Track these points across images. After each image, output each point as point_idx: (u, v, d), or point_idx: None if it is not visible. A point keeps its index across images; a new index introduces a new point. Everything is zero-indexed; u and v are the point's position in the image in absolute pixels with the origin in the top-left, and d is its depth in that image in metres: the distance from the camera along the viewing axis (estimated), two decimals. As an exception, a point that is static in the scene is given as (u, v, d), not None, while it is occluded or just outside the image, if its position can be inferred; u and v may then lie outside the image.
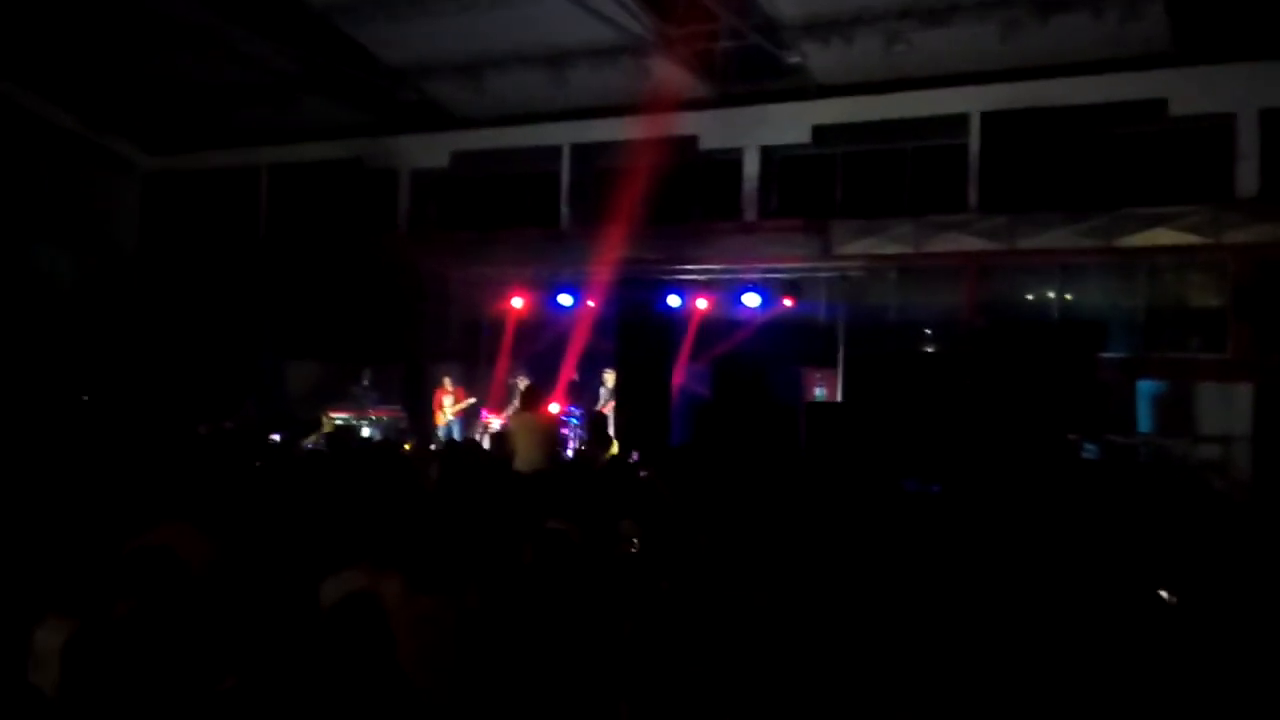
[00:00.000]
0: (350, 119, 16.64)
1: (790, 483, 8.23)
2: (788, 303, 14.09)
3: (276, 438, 12.25)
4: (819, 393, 14.29)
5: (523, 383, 12.34)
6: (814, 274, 14.49)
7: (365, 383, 14.73)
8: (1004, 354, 11.62)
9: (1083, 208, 13.10)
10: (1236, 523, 7.52)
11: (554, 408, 12.93)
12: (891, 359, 12.42)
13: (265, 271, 16.97)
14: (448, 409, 14.46)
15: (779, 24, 12.99)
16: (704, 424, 12.31)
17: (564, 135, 15.94)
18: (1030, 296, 13.90)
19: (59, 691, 2.79)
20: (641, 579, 4.64)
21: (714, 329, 14.52)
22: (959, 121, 13.77)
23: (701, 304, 14.52)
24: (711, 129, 14.93)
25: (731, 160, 15.08)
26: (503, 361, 15.09)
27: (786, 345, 14.13)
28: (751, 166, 14.96)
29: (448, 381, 14.64)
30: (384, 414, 14.59)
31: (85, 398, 14.76)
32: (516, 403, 12.58)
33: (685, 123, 14.15)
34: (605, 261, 13.73)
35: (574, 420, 13.43)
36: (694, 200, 15.35)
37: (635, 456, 10.41)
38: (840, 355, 14.06)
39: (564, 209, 16.12)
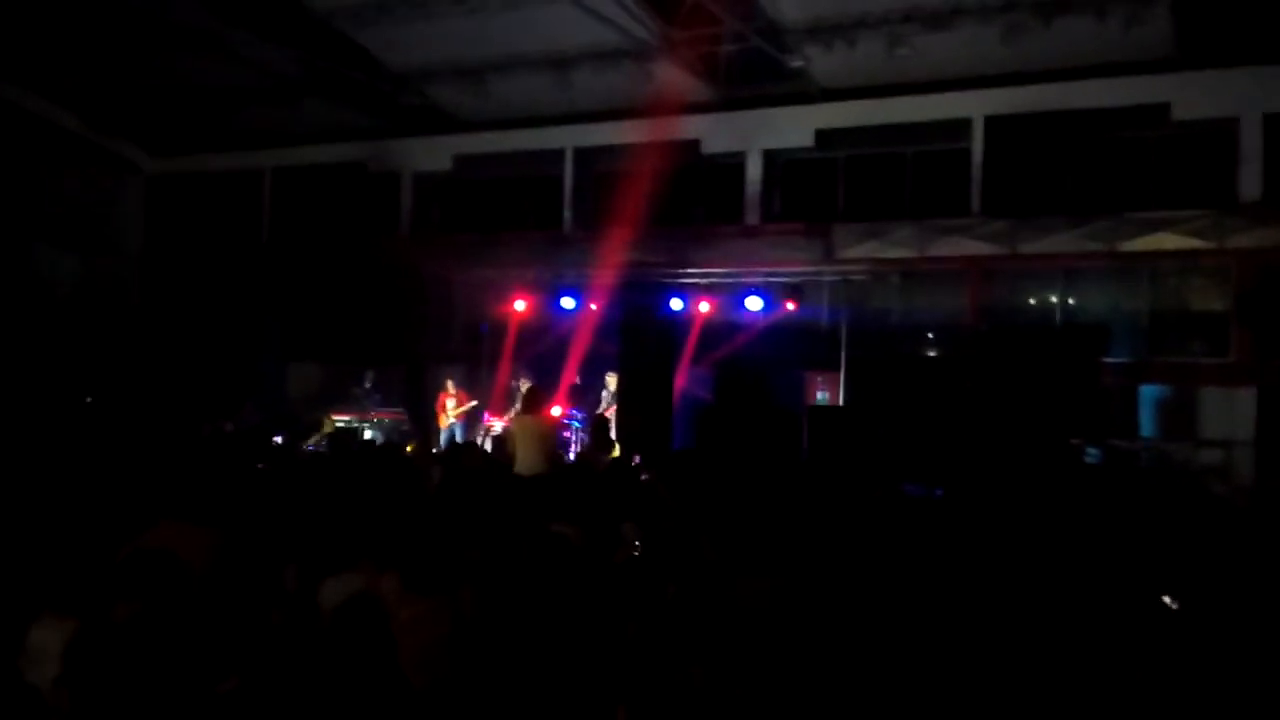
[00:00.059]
0: (353, 122, 16.66)
1: (792, 487, 8.22)
2: (790, 306, 14.08)
3: (278, 439, 12.27)
4: (821, 396, 14.29)
5: (524, 385, 12.34)
6: (816, 278, 14.48)
7: (367, 385, 14.75)
8: (1006, 358, 11.63)
9: (1085, 212, 13.09)
10: (1239, 528, 7.50)
11: (556, 411, 12.93)
12: (894, 363, 12.42)
13: (268, 274, 16.99)
14: (450, 411, 14.46)
15: (782, 28, 12.99)
16: (706, 428, 12.31)
17: (567, 138, 15.95)
18: (1033, 301, 13.89)
19: (61, 692, 2.79)
20: (644, 582, 4.63)
21: (716, 332, 14.51)
22: (961, 125, 13.77)
23: (704, 307, 14.51)
24: (714, 132, 14.93)
25: (734, 164, 15.09)
26: (505, 364, 15.09)
27: (788, 349, 14.12)
28: (754, 170, 14.97)
29: (450, 384, 14.65)
30: (386, 416, 14.59)
31: (88, 399, 14.78)
32: (518, 405, 12.58)
33: (688, 126, 14.15)
34: (607, 265, 13.73)
35: (576, 423, 13.43)
36: (696, 204, 15.35)
37: (637, 460, 10.41)
38: (842, 359, 14.06)
39: (566, 212, 16.13)
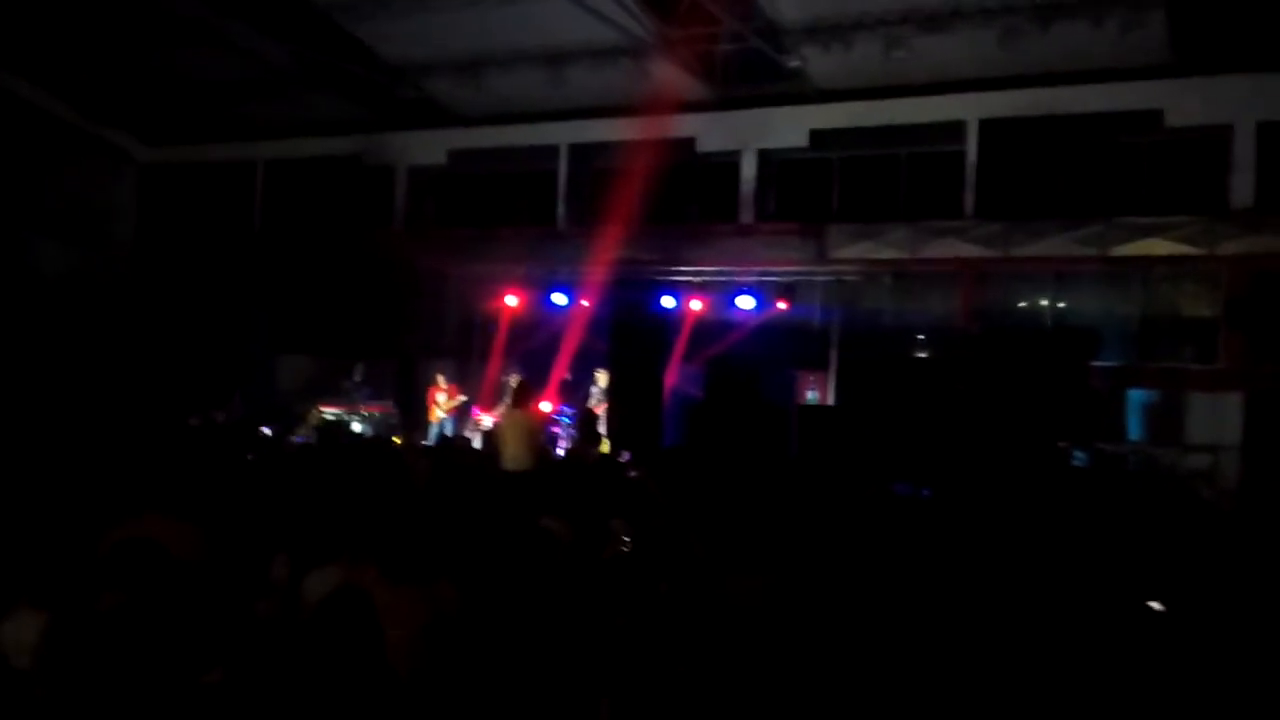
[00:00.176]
0: (348, 115, 16.61)
1: (781, 485, 8.24)
2: (782, 306, 14.11)
3: (267, 431, 12.23)
4: (811, 396, 14.32)
5: (514, 380, 12.32)
6: (809, 277, 14.51)
7: (357, 378, 14.69)
8: (997, 360, 11.63)
9: (1078, 216, 13.15)
10: (1225, 532, 7.54)
11: (546, 406, 12.92)
12: (884, 363, 12.43)
13: (260, 265, 16.94)
14: (441, 406, 14.44)
15: (780, 28, 13.00)
16: (696, 425, 12.30)
17: (562, 135, 15.94)
18: (1024, 303, 13.94)
19: (39, 681, 2.78)
20: (633, 578, 4.64)
21: (708, 330, 14.52)
22: (956, 128, 13.80)
23: (696, 305, 14.53)
24: (710, 131, 14.94)
25: (729, 163, 15.09)
26: (496, 359, 15.08)
27: (780, 348, 14.13)
28: (749, 169, 14.98)
29: (441, 378, 14.62)
30: (375, 409, 14.54)
31: (78, 389, 14.70)
32: (508, 400, 12.57)
33: (684, 124, 14.14)
34: (601, 261, 13.74)
35: (565, 419, 13.43)
36: (691, 202, 15.36)
37: (627, 457, 10.42)
38: (833, 359, 14.09)
39: (561, 208, 16.12)
